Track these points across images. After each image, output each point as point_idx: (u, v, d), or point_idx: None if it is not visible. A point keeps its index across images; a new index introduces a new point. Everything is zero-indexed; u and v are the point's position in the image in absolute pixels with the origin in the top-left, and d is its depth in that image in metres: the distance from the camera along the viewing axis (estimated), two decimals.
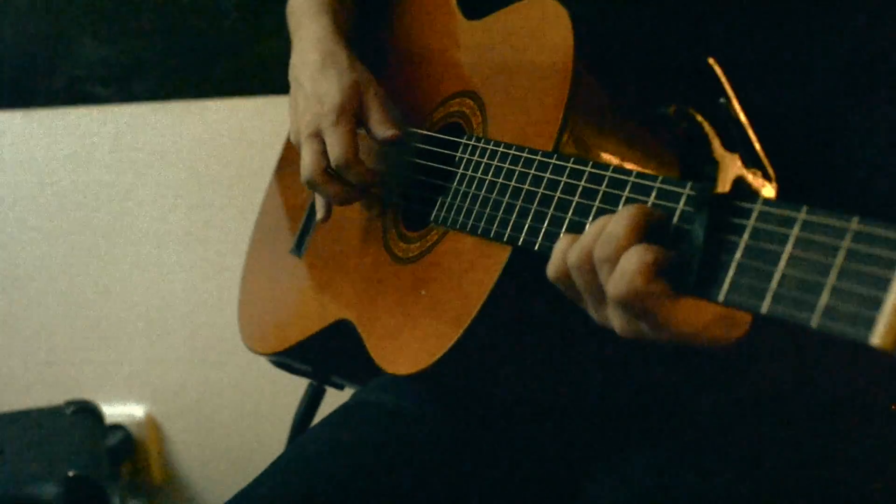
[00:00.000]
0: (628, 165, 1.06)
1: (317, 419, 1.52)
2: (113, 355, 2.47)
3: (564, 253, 0.94)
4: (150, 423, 2.48)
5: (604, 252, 0.89)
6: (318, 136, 1.30)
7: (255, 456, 2.39)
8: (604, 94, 1.11)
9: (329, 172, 1.29)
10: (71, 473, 1.92)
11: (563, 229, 1.01)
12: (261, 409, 2.45)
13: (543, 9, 1.17)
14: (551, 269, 0.95)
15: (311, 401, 1.50)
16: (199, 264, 2.41)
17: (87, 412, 2.21)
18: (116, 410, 2.42)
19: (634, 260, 0.86)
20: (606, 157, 1.07)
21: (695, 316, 0.89)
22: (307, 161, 1.29)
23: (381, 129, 1.29)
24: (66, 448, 2.05)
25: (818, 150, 1.05)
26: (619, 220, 0.89)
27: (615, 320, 0.91)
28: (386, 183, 1.33)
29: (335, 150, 1.27)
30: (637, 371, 1.16)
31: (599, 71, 1.12)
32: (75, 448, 2.06)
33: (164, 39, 2.30)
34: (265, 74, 2.26)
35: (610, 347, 1.07)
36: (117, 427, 2.36)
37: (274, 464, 1.26)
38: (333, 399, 1.53)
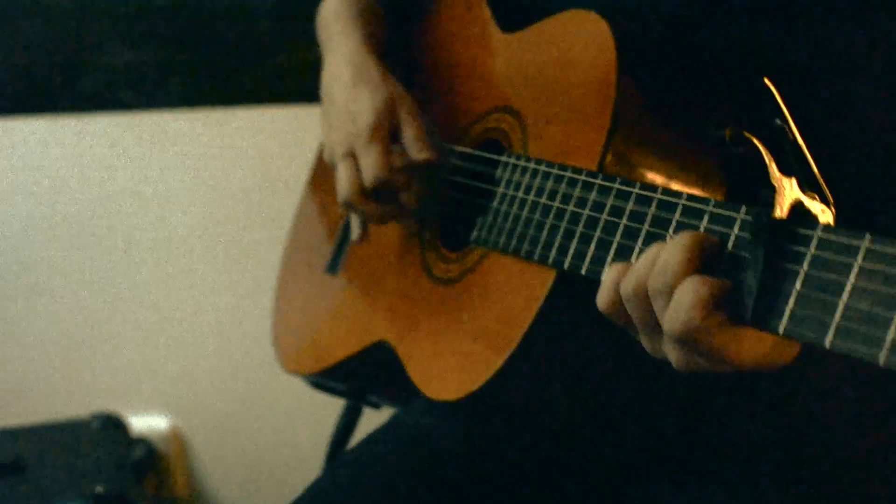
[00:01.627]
0: (674, 186, 1.03)
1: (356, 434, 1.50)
2: (138, 366, 2.45)
3: (616, 283, 0.90)
4: (175, 435, 2.45)
5: (658, 284, 0.86)
6: (352, 155, 1.27)
7: (281, 470, 2.39)
8: (647, 111, 1.08)
9: (365, 193, 1.26)
10: (98, 490, 1.91)
11: (611, 253, 0.98)
12: (288, 422, 2.43)
13: (583, 22, 1.14)
14: (602, 300, 0.92)
15: (350, 418, 1.48)
16: (226, 274, 2.40)
17: (112, 425, 2.20)
18: (140, 422, 2.40)
19: (690, 294, 0.82)
20: (652, 176, 1.03)
21: (754, 347, 0.85)
22: (343, 182, 1.27)
23: (417, 149, 1.26)
24: (92, 463, 2.04)
25: (878, 172, 1.02)
26: (674, 250, 0.86)
27: (670, 354, 0.88)
28: (423, 201, 1.30)
29: (369, 172, 1.24)
30: (684, 399, 1.13)
31: (642, 87, 1.09)
32: (102, 463, 2.04)
33: (193, 46, 2.27)
34: (294, 83, 2.24)
35: (656, 373, 1.04)
36: (141, 440, 2.34)
37: (311, 488, 1.24)
38: (372, 413, 1.51)
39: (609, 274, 0.91)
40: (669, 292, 0.84)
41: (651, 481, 1.17)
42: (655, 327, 0.88)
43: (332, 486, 1.23)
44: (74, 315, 2.43)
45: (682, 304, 0.83)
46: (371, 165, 1.24)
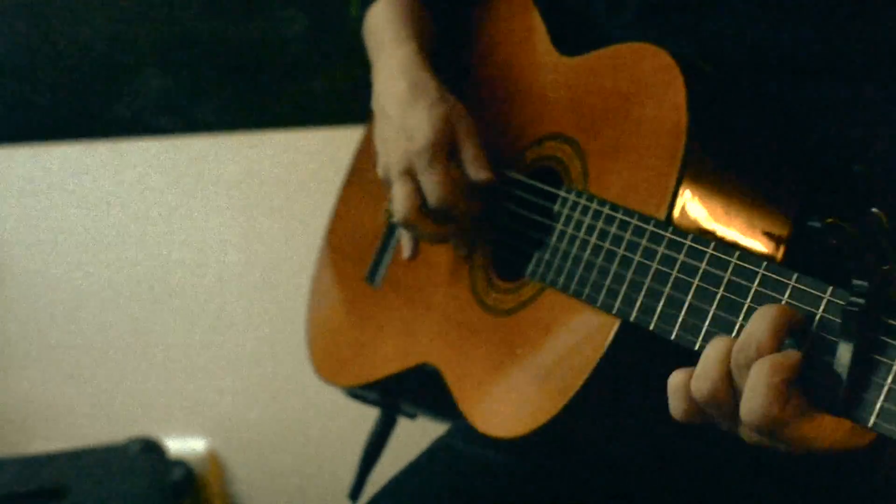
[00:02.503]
0: (743, 235, 1.02)
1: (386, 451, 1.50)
2: (174, 389, 2.45)
3: (686, 388, 0.90)
4: (212, 457, 2.45)
5: (741, 358, 0.86)
6: (410, 174, 1.24)
7: (317, 492, 2.40)
8: (715, 152, 1.06)
9: (423, 211, 1.24)
10: None
11: (682, 313, 0.97)
12: (326, 444, 2.43)
13: (652, 59, 1.11)
14: (676, 409, 0.91)
15: (382, 433, 1.47)
16: (262, 296, 2.39)
17: (150, 449, 2.22)
18: (178, 445, 2.40)
19: (763, 383, 0.82)
20: (718, 229, 1.02)
21: (834, 431, 0.85)
22: (401, 201, 1.24)
23: (475, 169, 1.23)
24: (131, 487, 2.07)
25: None
26: (760, 322, 0.85)
27: (749, 439, 0.88)
28: (477, 223, 1.28)
29: (434, 194, 1.22)
30: (741, 451, 1.12)
31: (711, 126, 1.07)
32: (140, 487, 2.07)
33: (226, 70, 2.27)
34: (327, 106, 2.23)
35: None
36: (179, 462, 2.34)
37: None
38: (403, 430, 1.51)
39: (679, 385, 0.90)
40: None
41: None
42: (734, 416, 0.87)
43: None
44: (112, 340, 2.43)
45: (757, 393, 0.82)
46: (436, 186, 1.22)
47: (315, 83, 2.23)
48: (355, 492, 1.49)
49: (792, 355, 0.84)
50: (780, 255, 1.03)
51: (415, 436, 1.46)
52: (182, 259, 2.39)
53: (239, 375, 2.44)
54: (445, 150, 1.24)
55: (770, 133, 1.09)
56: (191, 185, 2.35)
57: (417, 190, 1.24)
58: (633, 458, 1.18)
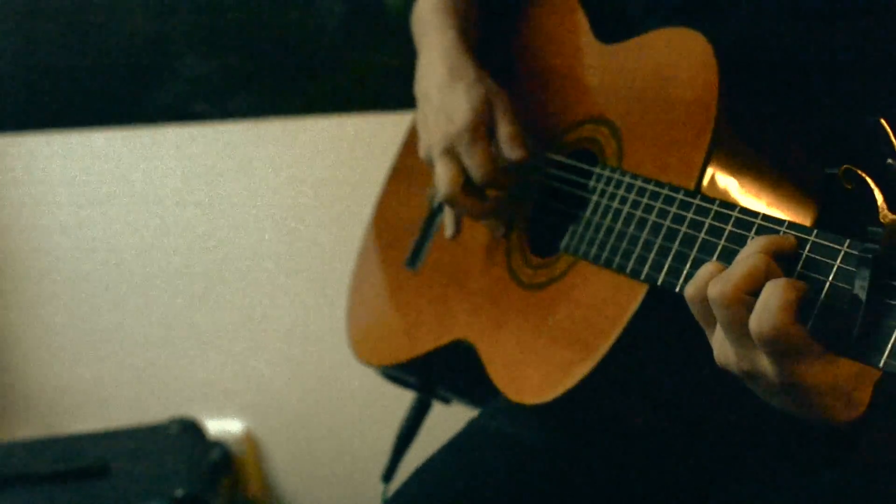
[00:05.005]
0: (770, 210, 1.05)
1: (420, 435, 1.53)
2: (213, 372, 2.49)
3: (707, 280, 0.92)
4: (249, 438, 2.49)
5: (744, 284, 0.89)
6: (452, 153, 1.29)
7: (355, 473, 2.42)
8: (745, 135, 1.10)
9: (467, 190, 1.29)
10: (178, 493, 1.97)
11: None
12: (361, 426, 2.46)
13: (686, 41, 1.15)
14: (690, 292, 0.93)
15: (416, 416, 1.50)
16: (300, 279, 2.42)
17: (190, 430, 2.27)
18: (216, 426, 2.44)
19: (777, 297, 0.85)
20: (747, 200, 1.05)
21: (838, 372, 0.87)
22: (445, 179, 1.29)
23: (510, 147, 1.27)
24: (171, 466, 2.11)
25: None
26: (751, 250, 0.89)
27: (757, 362, 0.90)
28: (514, 202, 1.32)
29: (478, 170, 1.27)
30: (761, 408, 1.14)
31: (741, 112, 1.10)
32: (181, 466, 2.11)
33: (265, 56, 2.31)
34: (366, 91, 2.26)
35: (736, 384, 1.06)
36: (217, 443, 2.38)
37: (397, 494, 1.25)
38: (437, 415, 1.53)
39: (704, 269, 0.93)
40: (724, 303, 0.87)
41: (732, 488, 1.19)
42: (744, 330, 0.90)
43: (419, 493, 1.24)
44: (153, 323, 2.48)
45: (770, 306, 0.85)
46: (479, 163, 1.26)
47: (352, 70, 2.26)
48: (388, 474, 1.52)
49: (800, 283, 0.87)
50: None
51: (449, 420, 1.48)
52: (221, 243, 2.43)
53: (276, 358, 2.47)
54: (485, 128, 1.28)
55: (798, 123, 1.11)
56: (229, 171, 2.39)
57: (461, 168, 1.28)
58: (659, 429, 1.19)
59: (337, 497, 2.48)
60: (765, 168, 1.08)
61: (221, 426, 2.46)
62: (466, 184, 1.29)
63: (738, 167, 1.08)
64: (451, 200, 1.29)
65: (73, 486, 2.05)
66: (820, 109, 1.10)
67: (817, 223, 1.06)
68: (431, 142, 1.31)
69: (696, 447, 1.21)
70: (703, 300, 0.93)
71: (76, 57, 2.32)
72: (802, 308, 0.87)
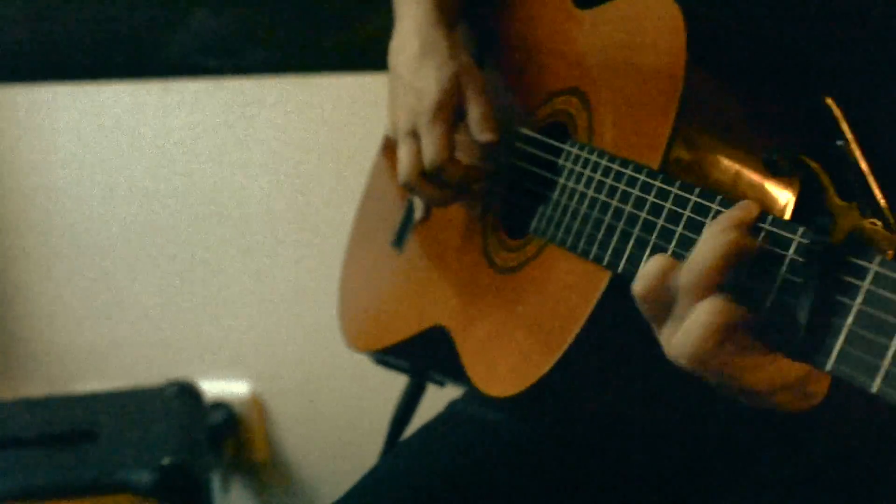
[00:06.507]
0: (738, 190, 0.98)
1: (417, 413, 1.49)
2: (219, 333, 2.46)
3: (658, 274, 0.86)
4: (255, 401, 2.47)
5: (685, 280, 0.82)
6: (414, 134, 1.23)
7: (358, 438, 2.39)
8: (715, 103, 1.02)
9: (424, 175, 1.23)
10: (166, 461, 1.89)
11: None
12: (366, 390, 2.41)
13: (658, 6, 1.08)
14: (637, 287, 0.88)
15: (412, 395, 1.46)
16: (306, 240, 2.38)
17: (187, 393, 2.19)
18: (221, 387, 2.42)
19: (702, 322, 0.79)
20: (716, 178, 0.98)
21: (785, 374, 0.82)
22: (403, 162, 1.23)
23: (479, 130, 1.21)
24: (163, 432, 2.02)
25: None
26: (706, 248, 0.82)
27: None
28: (486, 184, 1.25)
29: (429, 153, 1.20)
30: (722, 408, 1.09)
31: (712, 77, 1.03)
32: (173, 433, 2.03)
33: (278, 12, 2.26)
34: (380, 50, 2.20)
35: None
36: (221, 405, 2.36)
37: (365, 477, 1.23)
38: (434, 393, 1.49)
39: (653, 264, 0.87)
40: (697, 292, 0.80)
41: (710, 483, 1.14)
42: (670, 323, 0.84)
43: (388, 476, 1.22)
44: (161, 284, 2.45)
45: (692, 330, 0.79)
46: (432, 147, 1.20)
47: (365, 27, 2.21)
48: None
49: (740, 310, 0.80)
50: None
51: (445, 401, 1.44)
52: (227, 201, 2.39)
53: (285, 321, 2.44)
54: (451, 110, 1.22)
55: (770, 103, 1.04)
56: (239, 127, 2.35)
57: (419, 152, 1.22)
58: (630, 415, 1.14)
59: (342, 460, 2.45)
60: (736, 146, 1.00)
61: (228, 388, 2.43)
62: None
63: (710, 141, 1.00)
64: (407, 185, 1.24)
65: (57, 450, 1.97)
66: (792, 90, 1.03)
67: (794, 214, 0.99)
68: (398, 120, 1.26)
69: (672, 437, 1.16)
70: (657, 296, 0.87)
71: (87, 9, 2.28)
72: (752, 299, 0.81)
